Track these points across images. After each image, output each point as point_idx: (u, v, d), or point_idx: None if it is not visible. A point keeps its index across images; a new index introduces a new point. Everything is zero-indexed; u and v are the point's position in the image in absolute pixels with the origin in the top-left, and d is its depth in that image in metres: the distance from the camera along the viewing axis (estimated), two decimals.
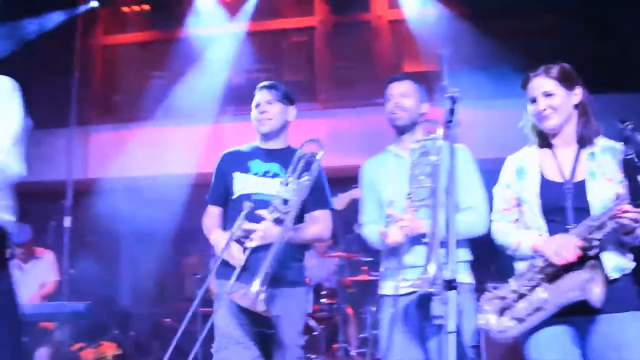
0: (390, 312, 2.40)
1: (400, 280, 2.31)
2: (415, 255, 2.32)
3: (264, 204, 2.45)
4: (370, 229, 2.55)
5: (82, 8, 7.05)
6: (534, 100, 2.19)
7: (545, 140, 2.24)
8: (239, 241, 2.43)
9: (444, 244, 2.15)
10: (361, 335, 5.22)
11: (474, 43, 6.29)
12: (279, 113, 2.64)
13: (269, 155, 2.66)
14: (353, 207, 4.80)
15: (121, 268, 7.30)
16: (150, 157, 6.46)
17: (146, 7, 7.68)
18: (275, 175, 2.59)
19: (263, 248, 2.34)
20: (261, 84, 2.70)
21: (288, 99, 2.68)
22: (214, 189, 2.71)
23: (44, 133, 6.91)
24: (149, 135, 6.65)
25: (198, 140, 6.58)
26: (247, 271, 2.36)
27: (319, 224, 2.62)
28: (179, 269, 7.77)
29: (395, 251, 2.37)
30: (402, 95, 2.52)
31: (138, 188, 6.28)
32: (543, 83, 2.16)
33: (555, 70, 2.17)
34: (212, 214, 2.70)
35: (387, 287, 2.48)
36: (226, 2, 7.30)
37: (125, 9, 7.70)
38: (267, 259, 2.25)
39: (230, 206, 2.64)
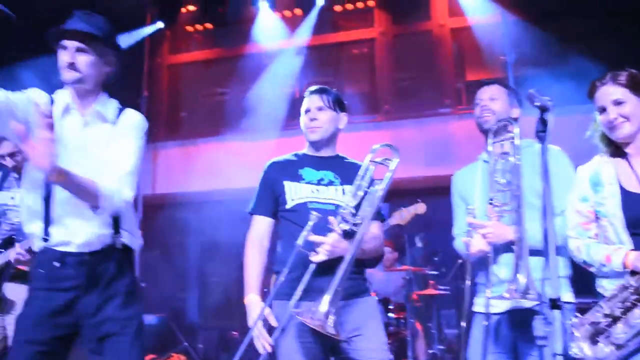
0: (481, 331, 2.25)
1: (490, 294, 2.18)
2: (506, 267, 2.18)
3: (322, 213, 2.24)
4: (459, 240, 2.43)
5: (149, 29, 7.31)
6: (603, 110, 2.07)
7: (617, 149, 2.11)
8: (304, 255, 2.17)
9: (534, 252, 2.07)
10: (430, 351, 5.08)
11: (539, 48, 6.08)
12: (330, 121, 2.45)
13: (321, 163, 2.47)
14: (418, 220, 4.74)
15: (189, 281, 7.43)
16: (216, 172, 6.54)
17: (209, 25, 7.85)
18: (330, 183, 2.40)
19: (329, 263, 2.14)
20: (311, 89, 2.52)
21: (340, 105, 2.48)
22: (261, 199, 2.46)
23: None
24: (215, 150, 6.77)
25: (263, 155, 6.62)
26: (312, 290, 2.13)
27: (376, 237, 2.42)
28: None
29: (483, 263, 2.24)
30: (491, 98, 2.43)
31: (204, 203, 6.39)
32: (612, 91, 2.04)
33: (623, 77, 2.05)
34: (260, 227, 2.44)
35: (478, 304, 2.36)
36: (287, 17, 7.39)
37: (189, 28, 7.90)
38: (337, 276, 2.05)
39: (283, 217, 2.41)
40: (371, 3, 7.28)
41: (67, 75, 2.08)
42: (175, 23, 7.64)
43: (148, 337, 5.42)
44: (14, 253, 2.94)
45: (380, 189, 2.28)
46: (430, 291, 5.10)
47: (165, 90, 7.80)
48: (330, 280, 2.05)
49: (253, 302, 2.31)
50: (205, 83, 7.83)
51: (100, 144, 2.11)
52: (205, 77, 7.82)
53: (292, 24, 7.32)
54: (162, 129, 7.48)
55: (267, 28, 7.36)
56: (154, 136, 7.09)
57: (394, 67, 7.19)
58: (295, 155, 2.53)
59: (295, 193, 2.38)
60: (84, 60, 2.09)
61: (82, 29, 2.09)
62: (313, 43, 7.17)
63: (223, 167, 6.59)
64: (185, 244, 6.94)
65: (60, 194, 2.04)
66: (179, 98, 7.88)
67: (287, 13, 7.43)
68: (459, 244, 2.45)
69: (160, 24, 7.44)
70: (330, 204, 2.34)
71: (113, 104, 2.22)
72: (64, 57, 2.08)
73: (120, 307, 2.09)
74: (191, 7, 7.63)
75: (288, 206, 2.38)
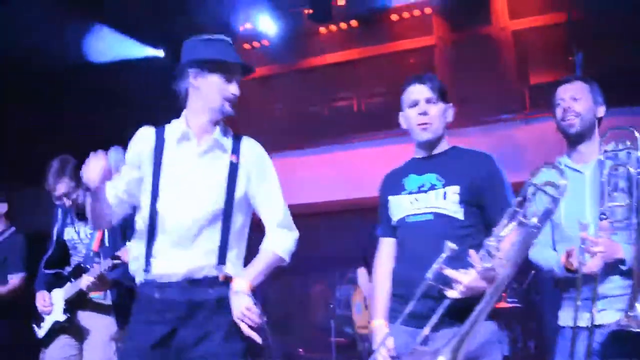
0: (568, 345, 2.09)
1: (584, 311, 2.02)
2: (609, 285, 2.04)
3: (419, 226, 2.07)
4: (541, 252, 2.23)
5: None
6: None
7: None
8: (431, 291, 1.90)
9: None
10: None
11: (606, 47, 5.78)
12: (441, 115, 2.15)
13: (425, 165, 2.18)
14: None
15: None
16: (292, 187, 6.55)
17: (265, 42, 7.92)
18: (431, 188, 2.10)
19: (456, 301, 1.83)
20: (414, 77, 2.21)
21: (445, 95, 2.19)
22: (381, 220, 2.31)
23: None
24: (277, 166, 6.76)
25: (327, 168, 6.61)
26: (421, 316, 1.88)
27: None
28: (306, 298, 7.80)
29: (578, 279, 2.05)
30: (573, 98, 2.23)
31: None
32: None
33: None
34: (384, 249, 2.26)
35: (565, 318, 2.20)
36: (342, 28, 7.35)
37: (246, 46, 8.00)
38: (466, 324, 1.65)
39: (395, 235, 2.23)
40: (428, 10, 7.15)
41: (229, 107, 2.10)
42: (233, 42, 7.72)
43: None
44: (85, 281, 2.98)
45: (537, 221, 1.78)
46: (501, 304, 4.90)
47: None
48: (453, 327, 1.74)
49: (379, 327, 2.13)
50: (263, 99, 7.87)
51: (217, 173, 2.08)
52: (262, 93, 7.85)
53: (348, 35, 7.29)
54: None
55: (317, 42, 7.34)
56: None
57: (454, 73, 7.02)
58: (406, 162, 2.30)
59: (396, 208, 2.19)
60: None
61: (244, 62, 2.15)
62: (370, 54, 7.11)
63: (288, 183, 6.58)
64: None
65: (162, 225, 2.03)
66: (238, 115, 7.95)
67: (343, 26, 7.40)
68: (538, 255, 2.24)
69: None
70: (428, 213, 2.08)
71: (230, 134, 2.17)
72: (232, 89, 2.08)
73: (223, 342, 1.97)
74: (248, 26, 7.71)
75: (392, 224, 2.21)
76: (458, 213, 2.05)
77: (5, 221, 3.83)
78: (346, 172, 6.56)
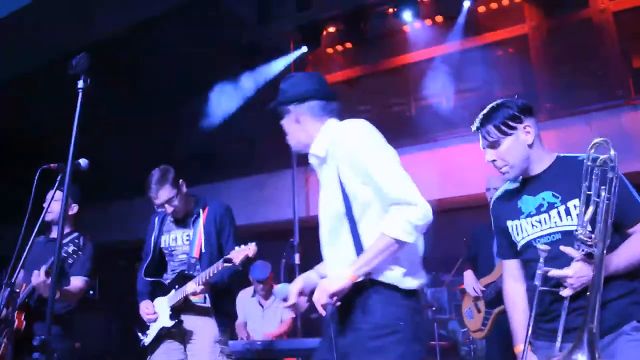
0: None
1: None
2: None
3: (551, 247, 1.93)
4: None
5: (294, 55, 7.50)
6: None
7: None
8: (548, 292, 1.92)
9: None
10: None
11: None
12: (513, 148, 2.05)
13: (537, 184, 2.09)
14: None
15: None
16: None
17: (348, 45, 7.88)
18: (550, 207, 2.02)
19: (574, 297, 1.86)
20: (474, 126, 2.11)
21: (514, 119, 2.03)
22: (500, 242, 2.26)
23: (269, 176, 7.42)
24: None
25: (414, 168, 6.46)
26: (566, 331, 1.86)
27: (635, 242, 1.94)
28: None
29: None
30: None
31: None
32: None
33: None
34: (509, 270, 2.22)
35: None
36: (430, 25, 7.18)
37: (329, 50, 8.00)
38: (589, 310, 1.72)
39: (522, 262, 2.16)
40: None
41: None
42: (318, 46, 7.76)
43: None
44: (192, 287, 3.03)
45: (608, 195, 1.84)
46: None
47: None
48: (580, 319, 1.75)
49: (525, 352, 2.00)
50: (348, 102, 7.84)
51: (330, 180, 2.08)
52: (348, 96, 7.84)
53: (438, 31, 7.10)
54: None
55: (412, 38, 7.19)
56: (305, 160, 7.23)
57: (552, 62, 6.65)
58: (513, 182, 2.18)
59: (518, 233, 2.10)
60: None
61: None
62: (462, 47, 6.89)
63: None
64: None
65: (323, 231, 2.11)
66: None
67: (428, 22, 7.22)
68: None
69: (304, 49, 7.60)
70: (554, 233, 1.99)
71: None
72: None
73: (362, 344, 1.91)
74: (331, 29, 7.71)
75: (518, 248, 2.12)
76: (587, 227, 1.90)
77: (73, 225, 3.59)
78: (434, 171, 6.38)
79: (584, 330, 1.69)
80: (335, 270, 2.00)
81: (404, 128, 7.05)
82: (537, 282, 1.89)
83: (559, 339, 1.83)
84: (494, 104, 2.09)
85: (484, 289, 3.88)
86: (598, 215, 1.83)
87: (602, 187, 1.84)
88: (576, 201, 1.93)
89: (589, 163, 1.87)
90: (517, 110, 2.03)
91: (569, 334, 1.84)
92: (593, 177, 1.86)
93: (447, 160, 6.33)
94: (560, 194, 2.00)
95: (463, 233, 4.96)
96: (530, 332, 1.92)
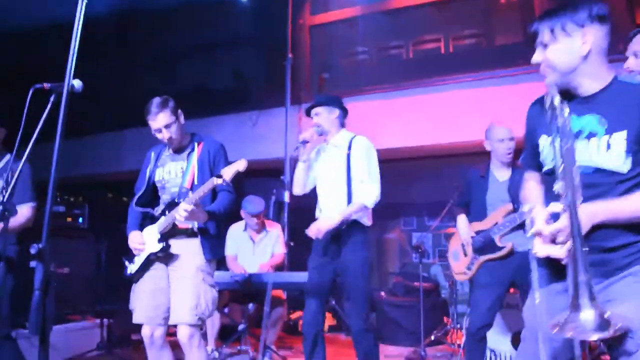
0: None
1: None
2: None
3: (582, 176, 1.78)
4: None
5: None
6: None
7: None
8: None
9: None
10: None
11: None
12: (565, 48, 1.84)
13: (585, 105, 1.88)
14: None
15: None
16: (358, 132, 6.48)
17: None
18: (590, 135, 1.84)
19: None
20: (539, 17, 1.90)
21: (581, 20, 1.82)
22: (528, 152, 2.12)
23: (261, 114, 7.37)
24: (358, 109, 6.67)
25: (415, 112, 6.44)
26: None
27: None
28: (380, 244, 7.84)
29: None
30: None
31: None
32: None
33: None
34: (530, 181, 2.11)
35: None
36: None
37: None
38: (574, 263, 1.64)
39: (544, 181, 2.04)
40: None
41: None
42: None
43: (299, 295, 5.58)
44: (183, 207, 3.03)
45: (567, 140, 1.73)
46: None
47: (308, 51, 7.82)
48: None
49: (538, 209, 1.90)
50: (347, 42, 7.71)
51: (339, 157, 3.74)
52: (347, 36, 7.69)
53: None
54: (307, 90, 7.52)
55: None
56: (299, 97, 7.16)
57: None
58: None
59: (548, 154, 1.95)
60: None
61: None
62: None
63: (368, 127, 6.49)
64: None
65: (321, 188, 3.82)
66: (322, 58, 7.85)
67: None
68: None
69: None
70: (586, 167, 1.83)
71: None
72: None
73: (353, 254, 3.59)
74: None
75: (545, 169, 1.99)
76: (623, 166, 1.79)
77: (3, 148, 3.50)
78: (428, 116, 6.36)
79: (578, 284, 1.63)
80: (329, 211, 3.67)
81: (400, 71, 6.96)
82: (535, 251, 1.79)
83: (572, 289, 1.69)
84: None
85: (473, 235, 3.95)
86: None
87: None
88: (622, 134, 1.77)
89: None
90: (582, 14, 1.82)
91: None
92: None
93: (442, 106, 6.31)
94: (608, 122, 1.81)
95: (450, 179, 5.00)
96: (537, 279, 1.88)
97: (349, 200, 3.61)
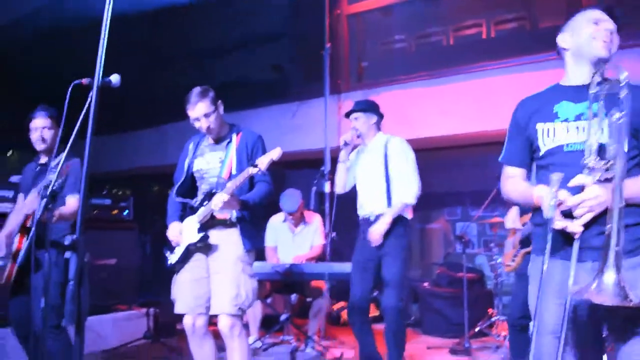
0: None
1: None
2: None
3: (581, 156, 1.95)
4: None
5: None
6: None
7: None
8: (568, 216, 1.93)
9: None
10: None
11: None
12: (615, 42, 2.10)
13: (583, 93, 2.06)
14: None
15: None
16: (398, 120, 6.40)
17: None
18: (594, 117, 2.00)
19: (597, 219, 1.89)
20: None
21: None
22: (510, 147, 2.27)
23: (301, 105, 7.36)
24: (399, 98, 6.59)
25: (454, 99, 6.31)
26: (587, 251, 1.92)
27: None
28: (424, 234, 7.73)
29: None
30: None
31: None
32: None
33: None
34: (511, 176, 2.26)
35: None
36: None
37: None
38: (612, 232, 1.74)
39: (539, 165, 2.16)
40: None
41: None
42: None
43: (342, 286, 5.57)
44: (219, 198, 3.05)
45: (619, 116, 1.85)
46: None
47: (346, 40, 7.76)
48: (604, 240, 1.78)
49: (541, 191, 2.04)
50: (385, 30, 7.61)
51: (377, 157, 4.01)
52: (384, 24, 7.59)
53: None
54: (346, 80, 7.48)
55: None
56: (337, 87, 7.12)
57: None
58: (549, 89, 2.21)
59: (548, 136, 2.09)
60: None
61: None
62: None
63: (405, 116, 6.41)
64: None
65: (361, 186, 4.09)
66: (360, 47, 7.78)
67: None
68: None
69: None
70: (585, 147, 1.97)
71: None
72: None
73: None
74: None
75: (542, 153, 2.12)
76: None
77: (61, 146, 3.42)
78: (470, 103, 6.22)
79: (609, 251, 1.71)
80: (369, 209, 4.01)
81: (440, 58, 6.83)
82: (550, 215, 1.88)
83: (573, 262, 1.88)
84: None
85: (521, 227, 3.95)
86: (612, 137, 1.85)
87: (615, 108, 1.87)
88: (617, 115, 1.88)
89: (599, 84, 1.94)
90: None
91: (585, 253, 1.90)
92: (600, 97, 1.92)
93: (483, 93, 6.15)
94: (606, 107, 1.95)
95: (493, 168, 4.88)
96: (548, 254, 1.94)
97: (388, 198, 3.88)
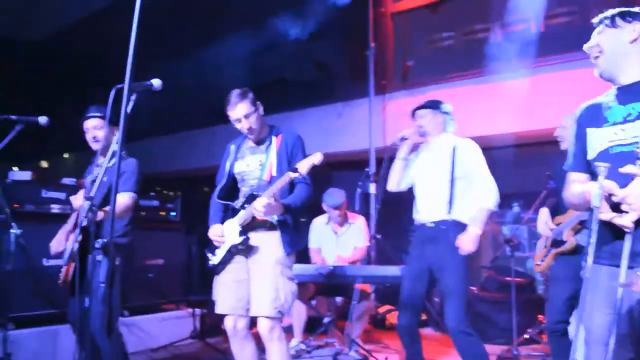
0: None
1: None
2: None
3: (626, 157, 1.88)
4: None
5: None
6: None
7: None
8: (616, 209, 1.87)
9: None
10: None
11: None
12: None
13: (630, 93, 2.03)
14: None
15: None
16: None
17: None
18: (638, 117, 1.97)
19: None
20: None
21: None
22: (573, 153, 2.22)
23: (345, 105, 7.32)
24: (445, 97, 6.45)
25: (502, 98, 6.14)
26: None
27: None
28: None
29: None
30: None
31: None
32: None
33: None
34: (574, 182, 2.19)
35: None
36: None
37: None
38: None
39: (591, 173, 2.11)
40: None
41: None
42: None
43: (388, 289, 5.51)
44: (260, 201, 3.04)
45: None
46: None
47: (391, 39, 7.67)
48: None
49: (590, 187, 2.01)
50: (431, 28, 7.48)
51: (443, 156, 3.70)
52: (430, 23, 7.46)
53: None
54: (391, 79, 7.39)
55: None
56: (382, 87, 7.05)
57: None
58: (608, 94, 2.15)
59: (596, 141, 2.07)
60: None
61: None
62: None
63: (455, 115, 6.25)
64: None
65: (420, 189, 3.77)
66: (405, 46, 7.67)
67: None
68: None
69: None
70: (635, 143, 1.91)
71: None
72: None
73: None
74: None
75: (590, 157, 2.08)
76: None
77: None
78: (519, 102, 6.02)
79: None
80: (427, 214, 3.67)
81: (489, 55, 6.65)
82: (596, 204, 1.81)
83: (624, 262, 1.78)
84: None
85: (554, 227, 3.78)
86: None
87: None
88: None
89: None
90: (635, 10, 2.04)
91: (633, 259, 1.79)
92: None
93: (533, 90, 5.95)
94: None
95: (545, 169, 4.71)
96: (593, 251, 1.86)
97: (450, 204, 3.57)
